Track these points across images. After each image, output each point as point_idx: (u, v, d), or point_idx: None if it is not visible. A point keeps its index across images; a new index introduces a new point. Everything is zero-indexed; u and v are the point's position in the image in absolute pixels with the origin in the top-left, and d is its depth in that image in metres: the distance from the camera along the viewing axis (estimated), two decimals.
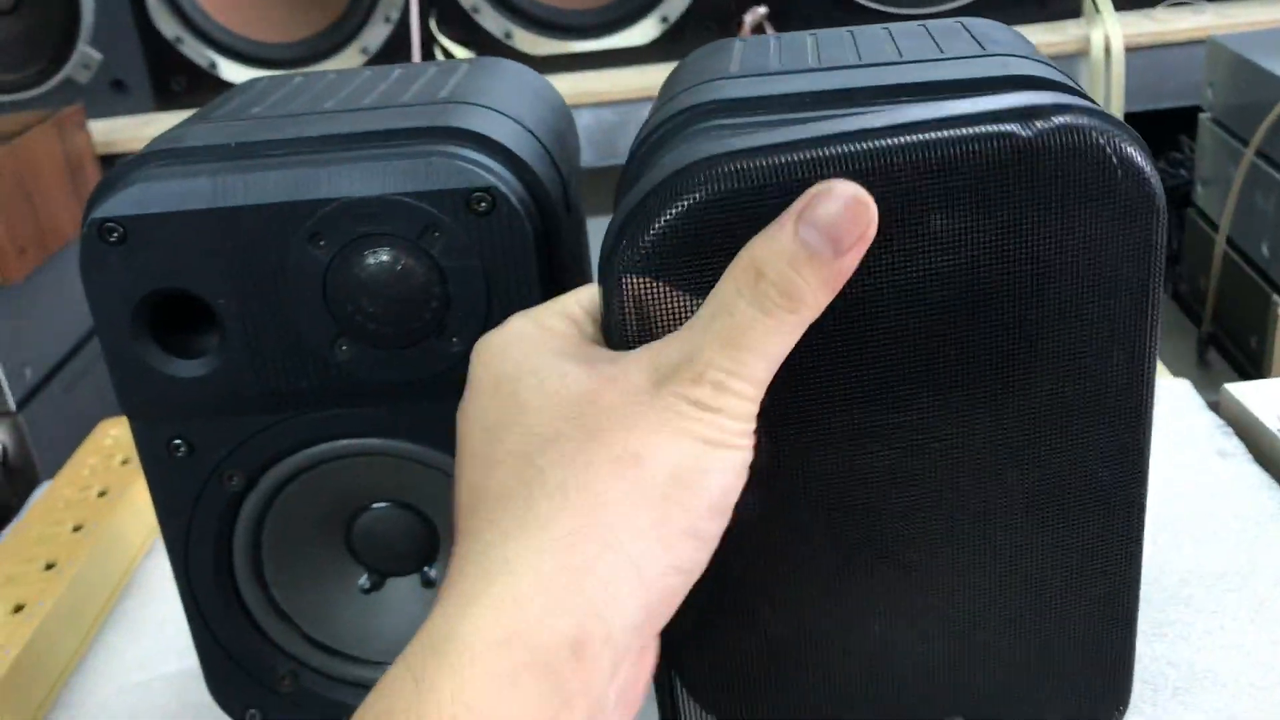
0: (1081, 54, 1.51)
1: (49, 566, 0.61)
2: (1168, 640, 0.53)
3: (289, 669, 0.51)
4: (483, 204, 0.42)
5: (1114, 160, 0.36)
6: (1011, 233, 0.36)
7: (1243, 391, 0.69)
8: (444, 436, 0.46)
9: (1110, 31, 1.48)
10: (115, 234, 0.43)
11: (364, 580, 0.51)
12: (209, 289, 0.44)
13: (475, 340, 0.44)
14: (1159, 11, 1.55)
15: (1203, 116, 1.40)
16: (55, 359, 1.45)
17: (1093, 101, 0.38)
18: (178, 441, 0.47)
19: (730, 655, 0.42)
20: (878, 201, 0.34)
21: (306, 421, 0.47)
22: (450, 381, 0.45)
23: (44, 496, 0.68)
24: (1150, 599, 0.55)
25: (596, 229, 0.55)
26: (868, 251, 0.34)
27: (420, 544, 0.51)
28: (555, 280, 0.45)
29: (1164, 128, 1.53)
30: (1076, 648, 0.43)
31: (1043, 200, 0.36)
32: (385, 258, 0.43)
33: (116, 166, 0.45)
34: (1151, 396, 0.39)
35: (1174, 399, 0.72)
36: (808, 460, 0.39)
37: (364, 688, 0.51)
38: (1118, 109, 1.52)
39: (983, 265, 0.36)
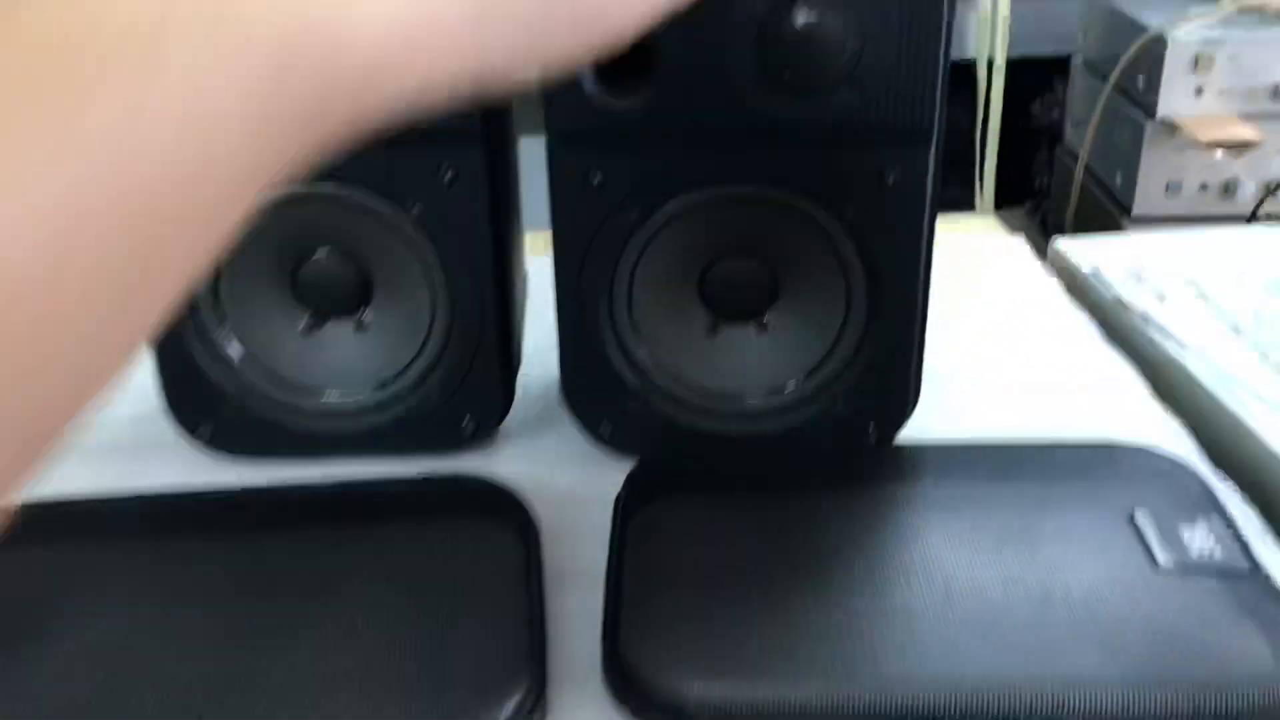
0: (969, 0, 1.63)
1: None
2: (974, 425, 0.64)
3: (237, 390, 0.60)
4: None
5: None
6: None
7: (1065, 244, 0.81)
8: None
9: None
10: None
11: (304, 320, 0.60)
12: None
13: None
14: None
15: (1075, 60, 1.53)
16: None
17: None
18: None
19: None
20: None
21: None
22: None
23: None
24: (964, 397, 0.67)
25: None
26: None
27: (357, 290, 0.59)
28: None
29: (1042, 73, 1.66)
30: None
31: None
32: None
33: None
34: None
35: (1007, 248, 0.83)
36: None
37: (299, 413, 0.60)
38: (1001, 53, 1.65)
39: None
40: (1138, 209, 1.35)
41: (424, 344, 0.59)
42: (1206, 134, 1.23)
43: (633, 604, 0.48)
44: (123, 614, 0.48)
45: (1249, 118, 1.29)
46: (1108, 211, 1.41)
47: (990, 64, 1.66)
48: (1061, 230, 1.52)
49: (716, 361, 0.60)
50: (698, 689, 0.44)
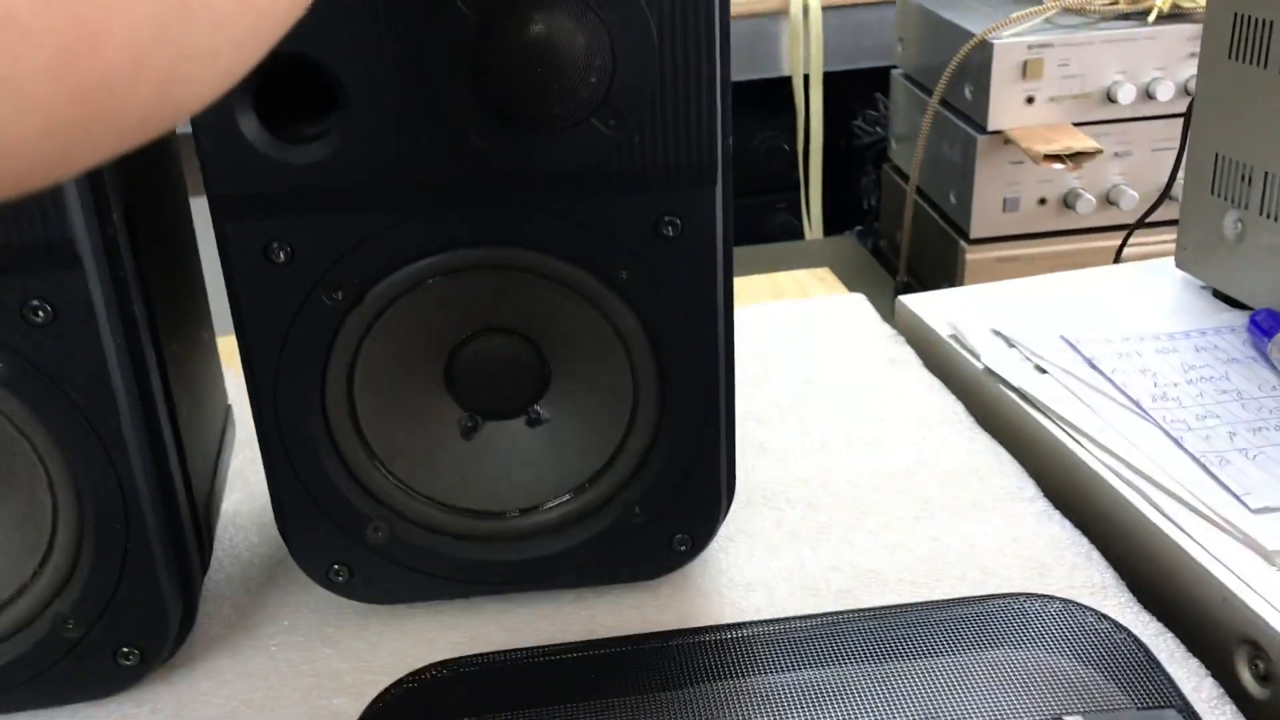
0: (781, 12, 1.51)
1: None
2: (832, 544, 0.49)
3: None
4: None
5: None
6: None
7: (915, 302, 0.68)
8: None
9: None
10: None
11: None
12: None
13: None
14: None
15: (895, 72, 1.43)
16: None
17: None
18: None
19: None
20: None
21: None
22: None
23: None
24: (817, 503, 0.52)
25: None
26: None
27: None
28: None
29: (861, 87, 1.56)
30: None
31: None
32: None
33: None
34: None
35: (848, 311, 0.69)
36: None
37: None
38: (816, 67, 1.54)
39: None
40: (975, 230, 1.25)
41: (46, 555, 0.41)
42: (1043, 147, 1.13)
43: None
44: None
45: (1082, 125, 1.20)
46: (944, 233, 1.30)
47: (806, 80, 1.55)
48: (896, 255, 1.41)
49: (478, 470, 0.45)
50: None
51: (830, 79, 1.54)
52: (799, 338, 0.66)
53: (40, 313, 0.37)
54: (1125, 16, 1.21)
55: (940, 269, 1.30)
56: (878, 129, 1.51)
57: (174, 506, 0.42)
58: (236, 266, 0.40)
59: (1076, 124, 1.19)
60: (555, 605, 0.47)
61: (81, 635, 0.41)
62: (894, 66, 1.43)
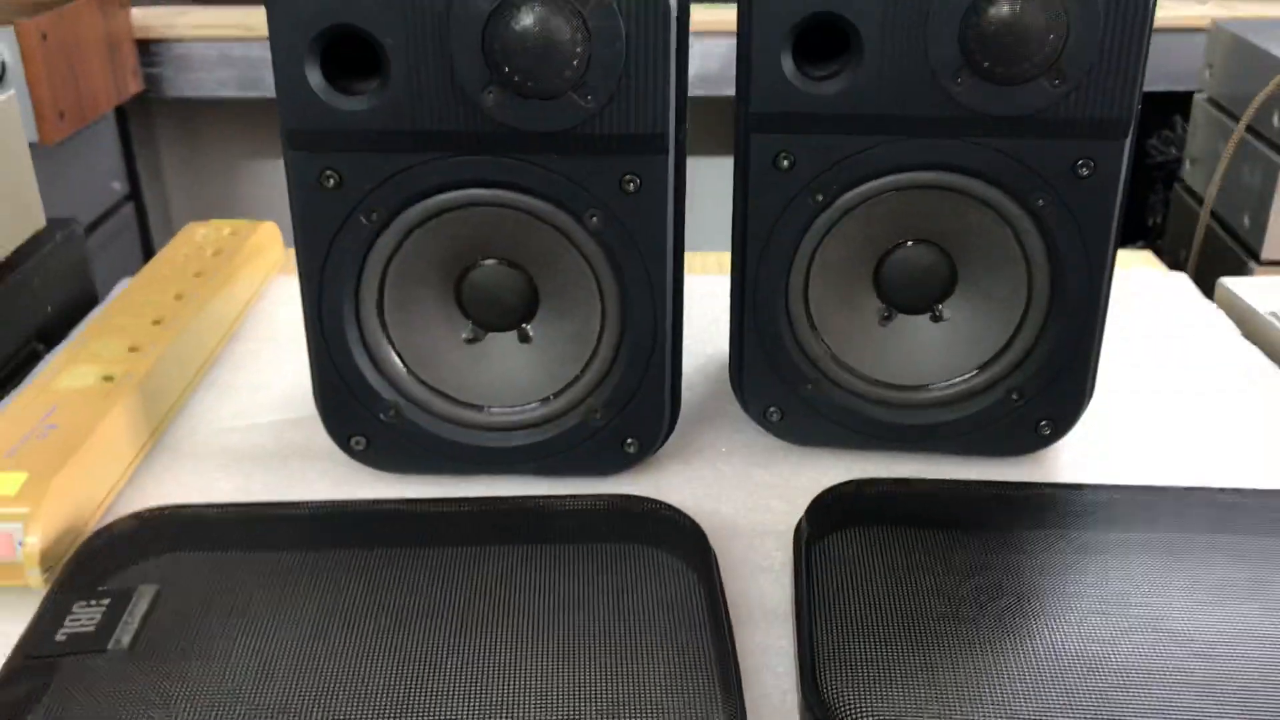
0: None
1: (156, 322, 0.66)
2: (1172, 470, 0.60)
3: (395, 402, 0.57)
4: None
5: None
6: None
7: (1236, 284, 0.77)
8: (567, 193, 0.53)
9: None
10: None
11: (467, 331, 0.57)
12: (379, 27, 0.50)
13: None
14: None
15: (1198, 96, 1.48)
16: (84, 224, 1.48)
17: None
18: (330, 172, 0.52)
19: None
20: None
21: (446, 165, 0.52)
22: (581, 137, 0.51)
23: (142, 273, 0.73)
24: (1151, 440, 0.63)
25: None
26: None
27: (523, 302, 0.57)
28: (680, 57, 0.51)
29: (1159, 108, 1.61)
30: None
31: None
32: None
33: None
34: None
35: (1173, 289, 0.79)
36: None
37: (461, 426, 0.58)
38: None
39: None
40: (1267, 251, 1.30)
41: (590, 360, 0.56)
42: None
43: (829, 646, 0.45)
44: (282, 632, 0.45)
45: None
46: (1232, 254, 1.36)
47: None
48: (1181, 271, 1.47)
49: (888, 351, 0.59)
50: None
51: None
52: (1124, 303, 0.77)
53: (632, 184, 0.52)
54: None
55: None
56: (1172, 149, 1.57)
57: (679, 337, 0.57)
58: (754, 170, 0.54)
59: None
60: (937, 466, 0.59)
61: (604, 424, 0.57)
62: (1197, 91, 1.49)
